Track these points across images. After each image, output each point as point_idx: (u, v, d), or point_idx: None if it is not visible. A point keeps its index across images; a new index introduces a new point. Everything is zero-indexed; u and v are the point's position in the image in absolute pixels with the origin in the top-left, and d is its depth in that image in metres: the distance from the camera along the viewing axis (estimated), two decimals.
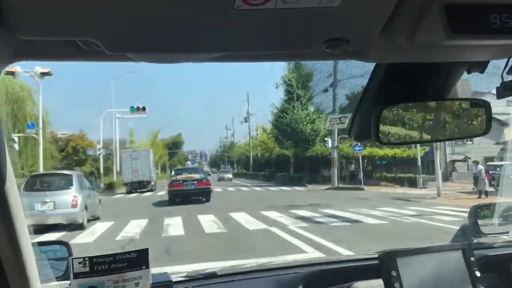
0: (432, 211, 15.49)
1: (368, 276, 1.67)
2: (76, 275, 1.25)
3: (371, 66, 1.16)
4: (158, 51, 0.86)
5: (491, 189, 21.56)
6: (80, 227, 13.31)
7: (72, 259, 1.25)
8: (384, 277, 1.53)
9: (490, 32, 0.77)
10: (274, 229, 11.91)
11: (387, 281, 1.52)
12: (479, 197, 20.39)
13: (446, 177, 33.96)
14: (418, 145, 25.43)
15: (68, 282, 1.36)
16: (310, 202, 19.43)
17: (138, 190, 32.34)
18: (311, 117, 40.07)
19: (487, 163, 28.58)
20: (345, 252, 8.42)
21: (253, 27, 0.81)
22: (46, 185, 14.14)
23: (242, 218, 14.46)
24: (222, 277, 1.95)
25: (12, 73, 21.76)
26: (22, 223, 1.09)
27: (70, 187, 13.73)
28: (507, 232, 2.40)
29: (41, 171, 22.24)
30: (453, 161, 39.06)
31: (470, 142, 34.62)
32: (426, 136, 1.23)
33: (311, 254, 8.49)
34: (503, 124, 30.07)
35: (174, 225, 13.37)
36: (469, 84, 16.82)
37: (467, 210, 2.47)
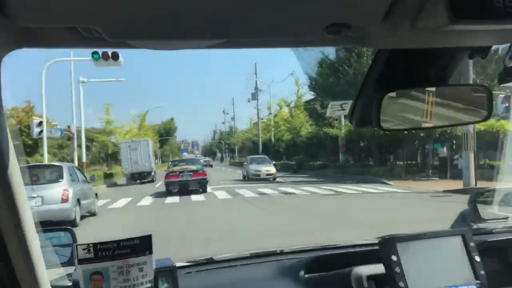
0: None
1: (369, 261, 1.68)
2: (81, 261, 1.27)
3: None
4: (159, 38, 0.87)
5: None
6: (71, 224, 11.35)
7: (76, 245, 1.26)
8: (385, 262, 1.55)
9: (494, 17, 0.77)
10: None
11: (387, 265, 1.53)
12: None
13: None
14: None
15: (73, 267, 1.38)
16: None
17: (138, 181, 31.84)
18: None
19: None
20: None
21: (254, 13, 0.81)
22: (32, 178, 12.24)
23: None
24: (225, 262, 1.97)
25: None
26: (27, 211, 1.10)
27: (60, 180, 12.14)
28: (507, 218, 2.41)
29: None
30: None
31: None
32: (428, 122, 1.24)
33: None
34: None
35: None
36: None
37: None
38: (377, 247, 1.62)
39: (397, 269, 1.51)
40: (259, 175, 28.24)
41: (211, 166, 64.41)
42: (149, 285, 1.34)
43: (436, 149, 24.48)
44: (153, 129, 68.48)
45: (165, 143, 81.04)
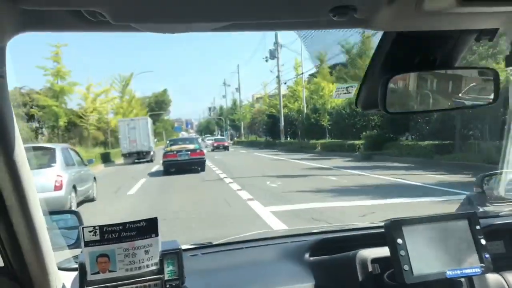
0: None
1: (374, 244, 1.69)
2: (87, 243, 1.28)
3: None
4: (163, 21, 0.86)
5: None
6: None
7: (82, 227, 1.27)
8: (390, 245, 1.55)
9: None
10: None
11: (393, 248, 1.54)
12: None
13: None
14: None
15: (80, 250, 1.39)
16: None
17: (136, 161, 30.81)
18: None
19: None
20: None
21: None
22: None
23: None
24: (230, 245, 1.99)
25: None
26: (34, 194, 1.11)
27: (53, 164, 10.58)
28: None
29: None
30: None
31: None
32: (434, 105, 1.22)
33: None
34: None
35: None
36: None
37: None
38: (382, 230, 1.62)
39: (402, 252, 1.51)
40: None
41: (226, 148, 47.37)
42: (155, 267, 1.35)
43: None
44: (142, 101, 58.31)
45: (156, 119, 67.05)
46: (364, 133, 26.09)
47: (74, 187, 11.10)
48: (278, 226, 8.10)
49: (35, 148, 11.98)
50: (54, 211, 1.78)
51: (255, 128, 64.57)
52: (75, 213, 1.81)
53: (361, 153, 24.04)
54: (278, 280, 1.65)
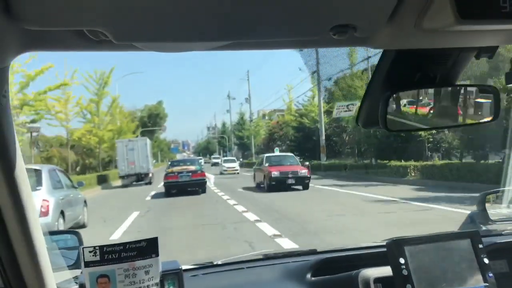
0: None
1: (376, 264, 1.67)
2: (87, 264, 1.27)
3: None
4: (165, 40, 0.87)
5: None
6: None
7: (82, 248, 1.26)
8: (392, 264, 1.54)
9: (500, 16, 0.76)
10: None
11: (395, 268, 1.52)
12: None
13: None
14: None
15: (80, 270, 1.38)
16: None
17: (134, 183, 29.79)
18: None
19: None
20: None
21: (258, 15, 0.81)
22: None
23: None
24: (231, 265, 1.97)
25: None
26: (34, 213, 1.10)
27: (38, 188, 9.48)
28: None
29: None
30: None
31: None
32: (435, 123, 1.23)
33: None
34: None
35: None
36: None
37: None
38: (384, 249, 1.61)
39: (405, 272, 1.50)
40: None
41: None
42: (155, 287, 1.33)
43: None
44: (131, 114, 48.65)
45: (150, 137, 56.61)
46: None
47: (62, 212, 10.01)
48: None
49: None
50: (54, 231, 1.77)
51: (272, 146, 49.12)
52: (75, 233, 1.80)
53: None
54: None
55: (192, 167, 20.97)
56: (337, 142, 34.91)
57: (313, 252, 2.12)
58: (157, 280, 1.33)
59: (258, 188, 21.27)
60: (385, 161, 23.88)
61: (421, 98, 1.19)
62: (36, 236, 1.13)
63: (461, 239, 1.62)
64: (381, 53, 1.15)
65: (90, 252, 1.27)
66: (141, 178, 30.23)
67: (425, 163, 20.95)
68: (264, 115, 63.47)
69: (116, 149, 31.80)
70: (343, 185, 20.45)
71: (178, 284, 1.40)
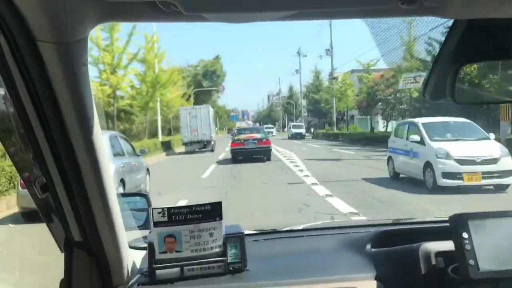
0: None
1: (438, 238, 1.65)
2: (156, 224, 1.35)
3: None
4: (233, 10, 0.89)
5: None
6: None
7: (152, 209, 1.34)
8: (455, 239, 1.51)
9: None
10: None
11: (457, 243, 1.50)
12: None
13: None
14: None
15: (148, 231, 1.47)
16: None
17: (197, 150, 30.19)
18: None
19: None
20: None
21: None
22: None
23: None
24: (291, 232, 2.01)
25: None
26: (109, 176, 1.18)
27: None
28: None
29: None
30: None
31: None
32: (506, 96, 1.18)
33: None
34: None
35: None
36: None
37: None
38: (446, 224, 1.58)
39: (468, 247, 1.47)
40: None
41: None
42: (218, 249, 1.40)
43: None
44: (180, 72, 39.89)
45: (204, 98, 49.66)
46: None
47: (122, 180, 9.67)
48: None
49: None
50: (125, 193, 1.88)
51: (371, 110, 38.40)
52: (144, 195, 1.90)
53: None
54: (339, 269, 1.65)
55: (258, 135, 21.56)
56: None
57: (374, 224, 2.12)
58: (220, 242, 1.40)
59: None
60: None
61: (492, 70, 1.14)
62: (111, 196, 1.21)
63: None
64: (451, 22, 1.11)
65: (158, 213, 1.34)
66: (203, 146, 30.68)
67: None
68: (352, 71, 43.58)
69: (179, 116, 32.40)
70: None
71: (240, 247, 1.45)
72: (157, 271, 1.39)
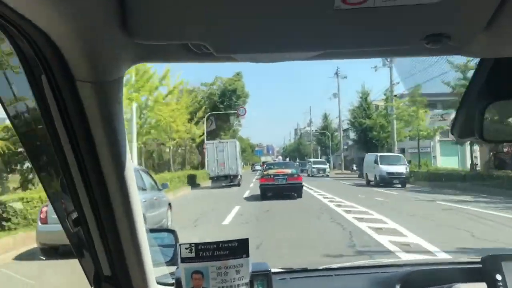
0: None
1: (469, 279, 1.61)
2: (183, 260, 1.35)
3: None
4: (260, 51, 0.92)
5: None
6: None
7: (180, 244, 1.35)
8: (488, 281, 1.47)
9: None
10: None
11: (491, 284, 1.45)
12: None
13: None
14: None
15: (175, 267, 1.47)
16: None
17: (224, 184, 29.89)
18: None
19: None
20: None
21: (351, 25, 0.83)
22: None
23: None
24: (319, 271, 1.98)
25: None
26: (139, 210, 1.21)
27: None
28: None
29: None
30: None
31: None
32: None
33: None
34: None
35: None
36: None
37: None
38: (478, 265, 1.54)
39: None
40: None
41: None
42: (244, 287, 1.39)
43: None
44: (195, 92, 37.45)
45: (221, 124, 42.50)
46: None
47: (144, 216, 8.48)
48: None
49: None
50: (153, 228, 1.90)
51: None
52: (172, 231, 1.91)
53: None
54: None
55: (289, 170, 20.21)
56: None
57: (404, 264, 2.08)
58: (247, 280, 1.39)
59: None
60: None
61: None
62: (140, 232, 1.23)
63: None
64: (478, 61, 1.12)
65: (186, 249, 1.35)
66: (230, 180, 30.39)
67: None
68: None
69: (206, 150, 32.16)
70: None
71: (267, 286, 1.44)
72: None
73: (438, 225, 11.05)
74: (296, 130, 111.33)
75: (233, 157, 30.96)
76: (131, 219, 1.17)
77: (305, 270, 1.99)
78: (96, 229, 1.16)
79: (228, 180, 30.52)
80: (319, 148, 72.60)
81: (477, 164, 26.48)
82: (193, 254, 1.36)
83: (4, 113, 1.01)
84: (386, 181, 25.95)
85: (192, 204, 17.63)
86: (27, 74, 0.91)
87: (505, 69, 1.07)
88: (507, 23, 0.81)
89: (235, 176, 30.84)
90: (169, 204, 11.86)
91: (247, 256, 1.38)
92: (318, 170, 43.22)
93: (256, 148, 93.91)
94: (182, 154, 38.90)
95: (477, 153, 28.52)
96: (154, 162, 34.01)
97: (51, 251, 7.88)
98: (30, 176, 15.37)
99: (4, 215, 10.07)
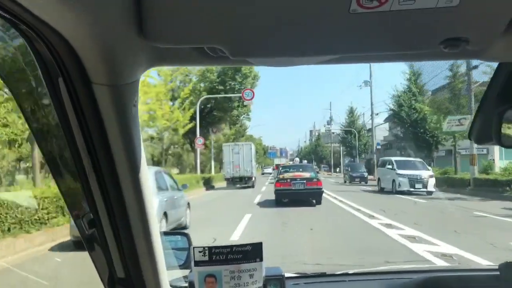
0: None
1: (486, 286, 1.58)
2: (197, 263, 1.35)
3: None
4: (276, 55, 0.92)
5: None
6: None
7: (193, 247, 1.35)
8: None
9: None
10: None
11: None
12: None
13: None
14: None
15: (188, 270, 1.47)
16: None
17: (238, 186, 30.82)
18: None
19: None
20: None
21: (367, 29, 0.83)
22: None
23: None
24: (333, 277, 1.97)
25: None
26: (153, 213, 1.21)
27: None
28: None
29: None
30: None
31: None
32: None
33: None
34: None
35: None
36: None
37: None
38: (496, 273, 1.52)
39: None
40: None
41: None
42: None
43: None
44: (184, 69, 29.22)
45: (220, 115, 35.04)
46: None
47: (165, 213, 10.10)
48: None
49: None
50: (166, 231, 1.90)
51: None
52: (186, 235, 1.91)
53: None
54: None
55: (307, 174, 18.28)
56: None
57: (420, 270, 2.05)
58: (260, 284, 1.38)
59: None
60: None
61: None
62: (154, 235, 1.23)
63: None
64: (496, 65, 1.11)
65: (200, 252, 1.35)
66: (245, 181, 31.17)
67: None
68: None
69: (222, 152, 32.62)
70: None
71: None
72: None
73: None
74: (311, 131, 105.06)
75: (248, 159, 31.52)
76: (145, 222, 1.18)
77: (319, 275, 1.98)
78: (111, 231, 1.17)
79: (242, 182, 31.23)
80: (341, 149, 61.63)
81: None
82: (206, 258, 1.36)
83: None
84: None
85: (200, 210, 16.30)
86: (45, 77, 0.92)
87: None
88: None
89: (250, 178, 31.48)
90: (188, 203, 12.57)
91: (261, 260, 1.37)
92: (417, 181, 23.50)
93: (269, 151, 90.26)
94: (177, 153, 35.49)
95: None
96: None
97: (81, 243, 8.11)
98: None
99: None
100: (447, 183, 25.77)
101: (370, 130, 48.57)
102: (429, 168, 24.57)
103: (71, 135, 1.01)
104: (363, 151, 54.26)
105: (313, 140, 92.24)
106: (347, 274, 2.02)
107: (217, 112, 34.92)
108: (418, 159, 25.66)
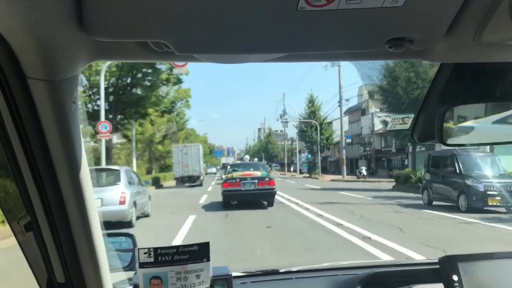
0: None
1: (427, 280, 1.63)
2: (142, 265, 1.31)
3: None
4: (224, 52, 0.90)
5: None
6: (128, 225, 12.24)
7: (138, 249, 1.31)
8: (445, 281, 1.50)
9: None
10: None
11: (447, 285, 1.48)
12: None
13: None
14: None
15: (133, 272, 1.43)
16: None
17: (187, 185, 32.80)
18: None
19: None
20: None
21: (315, 27, 0.82)
22: (92, 181, 11.26)
23: None
24: (280, 274, 1.98)
25: None
26: (95, 214, 1.16)
27: (118, 183, 12.65)
28: None
29: None
30: None
31: None
32: (492, 138, 1.19)
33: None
34: None
35: None
36: None
37: None
38: (436, 266, 1.57)
39: None
40: None
41: None
42: None
43: None
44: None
45: (144, 86, 26.17)
46: None
47: (135, 202, 13.07)
48: None
49: (104, 170, 14.34)
50: (110, 232, 1.84)
51: None
52: (130, 235, 1.86)
53: None
54: None
55: (258, 173, 16.69)
56: None
57: (364, 266, 2.10)
58: (207, 284, 1.36)
59: None
60: None
61: (478, 112, 1.16)
62: (96, 236, 1.18)
63: None
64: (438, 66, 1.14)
65: (145, 253, 1.31)
66: (193, 180, 33.32)
67: None
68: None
69: (172, 152, 35.13)
70: None
71: None
72: None
73: None
74: (260, 129, 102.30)
75: (196, 159, 33.73)
76: (86, 223, 1.13)
77: (266, 273, 1.98)
78: (50, 234, 1.11)
79: (191, 180, 33.30)
80: (298, 144, 55.49)
81: None
82: (152, 259, 1.32)
83: None
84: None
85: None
86: None
87: (464, 74, 1.09)
88: (466, 29, 0.82)
89: (198, 177, 33.77)
90: (149, 196, 15.64)
91: (208, 260, 1.35)
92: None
93: (216, 150, 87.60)
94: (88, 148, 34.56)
95: None
96: None
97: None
98: None
99: None
100: None
101: (330, 123, 44.70)
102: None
103: (4, 133, 0.95)
104: (325, 146, 48.09)
105: (262, 137, 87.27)
106: (292, 272, 2.03)
107: (139, 89, 25.89)
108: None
